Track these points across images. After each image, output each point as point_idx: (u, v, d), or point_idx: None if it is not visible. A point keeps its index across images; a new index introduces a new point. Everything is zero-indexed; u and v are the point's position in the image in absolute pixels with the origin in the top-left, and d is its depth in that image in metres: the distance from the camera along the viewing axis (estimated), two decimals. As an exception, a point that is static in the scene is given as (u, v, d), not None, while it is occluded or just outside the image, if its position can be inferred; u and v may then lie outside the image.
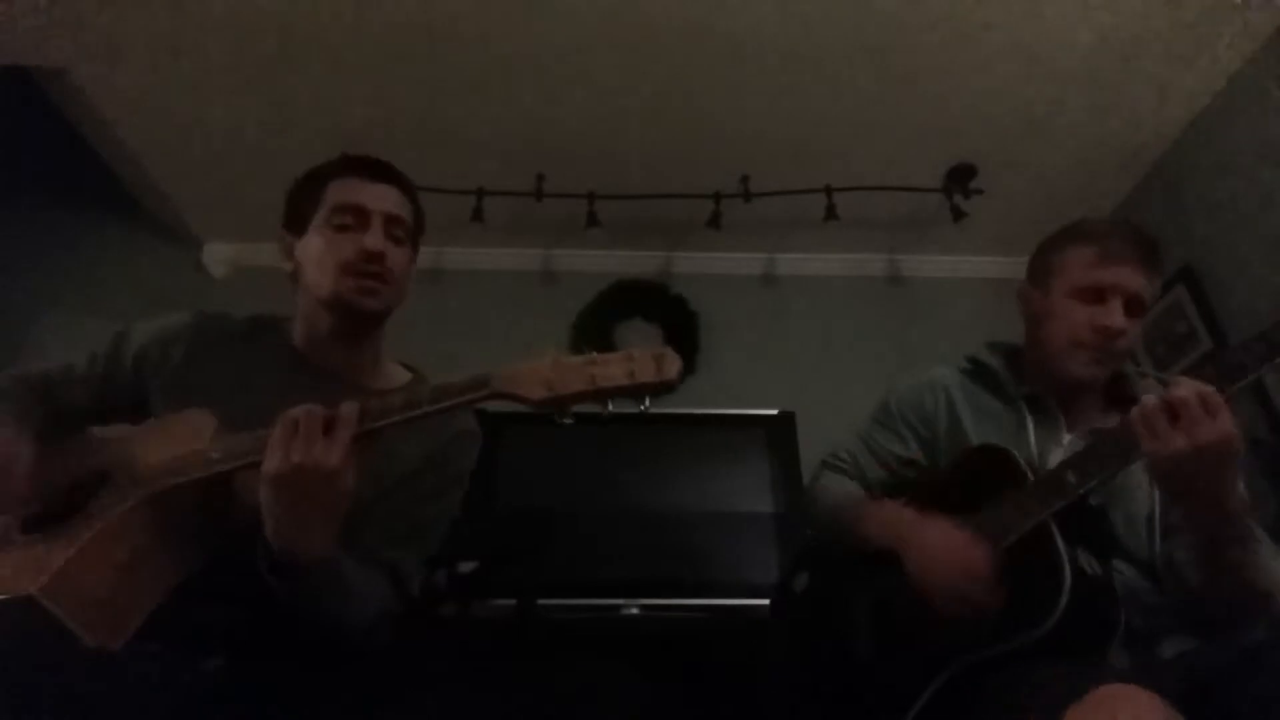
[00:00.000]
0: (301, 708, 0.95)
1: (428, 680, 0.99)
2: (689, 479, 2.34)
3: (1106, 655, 1.04)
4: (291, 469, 0.87)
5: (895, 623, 1.20)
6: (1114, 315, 1.22)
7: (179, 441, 1.00)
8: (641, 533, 2.23)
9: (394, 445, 1.09)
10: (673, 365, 0.85)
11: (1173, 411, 0.96)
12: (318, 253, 1.17)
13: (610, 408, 0.86)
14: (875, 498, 1.38)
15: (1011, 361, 1.39)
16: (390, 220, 1.19)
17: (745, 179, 2.66)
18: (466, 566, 1.93)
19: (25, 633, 0.84)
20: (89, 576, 0.88)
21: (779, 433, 2.42)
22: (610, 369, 0.85)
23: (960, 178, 2.66)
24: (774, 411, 2.48)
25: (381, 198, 1.19)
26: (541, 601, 1.98)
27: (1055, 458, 1.23)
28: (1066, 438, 1.26)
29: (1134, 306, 1.23)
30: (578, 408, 0.88)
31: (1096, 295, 1.24)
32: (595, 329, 2.90)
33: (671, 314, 2.95)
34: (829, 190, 2.62)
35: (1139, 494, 1.18)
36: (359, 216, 1.17)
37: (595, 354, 0.86)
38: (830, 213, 2.62)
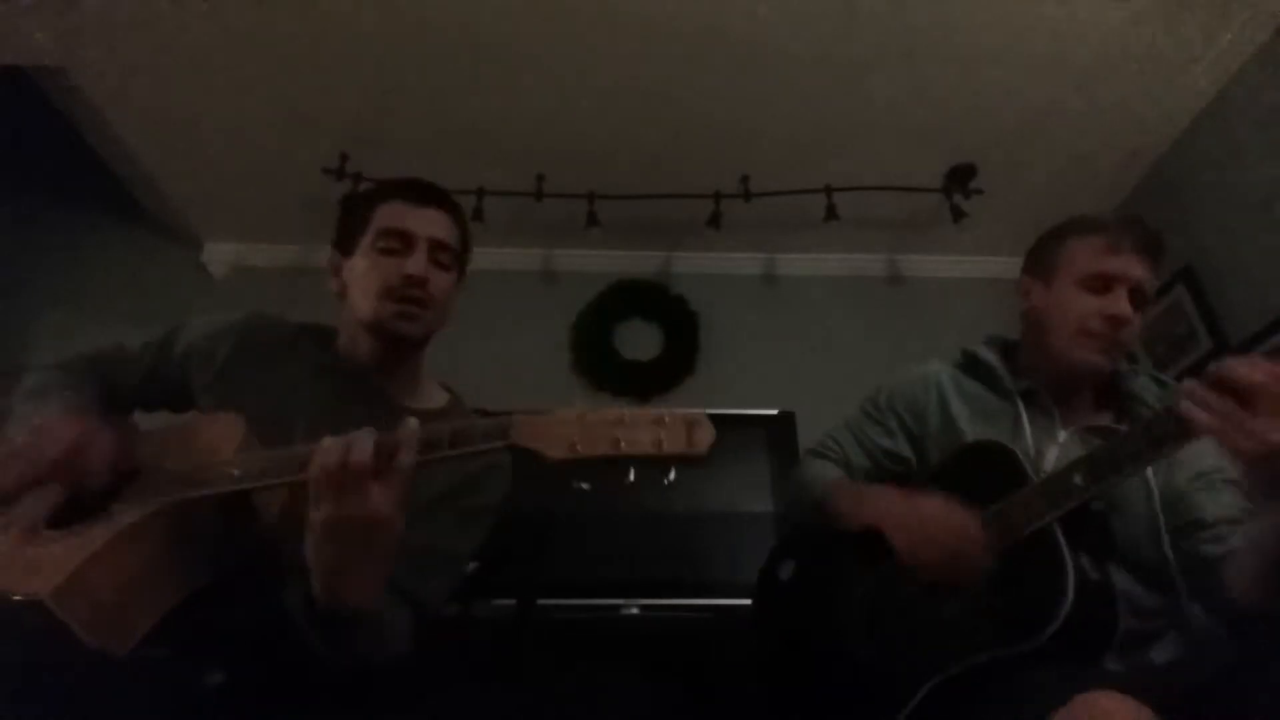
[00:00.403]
0: (302, 708, 0.95)
1: (428, 681, 0.99)
2: (689, 479, 2.33)
3: (1101, 660, 1.04)
4: (344, 519, 0.83)
5: (889, 622, 1.19)
6: (1122, 304, 1.22)
7: (205, 447, 1.00)
8: (641, 533, 2.23)
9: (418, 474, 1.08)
10: (705, 437, 0.78)
11: (1243, 398, 0.84)
12: (362, 275, 1.19)
13: (633, 476, 0.80)
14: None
15: (1007, 356, 1.39)
16: (435, 245, 1.20)
17: (745, 179, 2.66)
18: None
19: (32, 632, 0.85)
20: (100, 581, 0.88)
21: (779, 433, 2.43)
22: (638, 433, 0.78)
23: (960, 178, 2.65)
24: (774, 411, 2.49)
25: (428, 223, 1.20)
26: (541, 601, 1.97)
27: (1051, 454, 1.23)
28: (1062, 434, 1.26)
29: (1138, 297, 1.24)
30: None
31: (1104, 285, 1.23)
32: (595, 329, 2.91)
33: (671, 314, 2.96)
34: (829, 190, 2.61)
35: (1138, 497, 1.17)
36: (405, 241, 1.18)
37: (625, 412, 0.80)
38: (830, 213, 2.61)
